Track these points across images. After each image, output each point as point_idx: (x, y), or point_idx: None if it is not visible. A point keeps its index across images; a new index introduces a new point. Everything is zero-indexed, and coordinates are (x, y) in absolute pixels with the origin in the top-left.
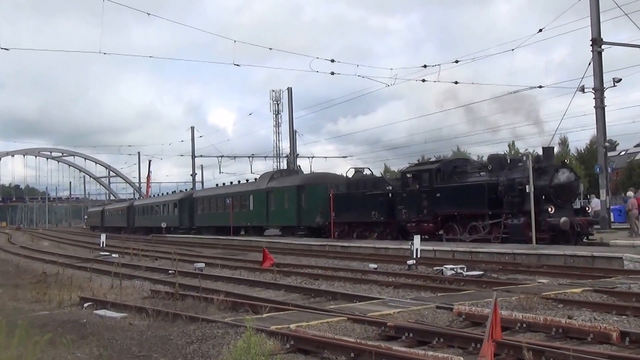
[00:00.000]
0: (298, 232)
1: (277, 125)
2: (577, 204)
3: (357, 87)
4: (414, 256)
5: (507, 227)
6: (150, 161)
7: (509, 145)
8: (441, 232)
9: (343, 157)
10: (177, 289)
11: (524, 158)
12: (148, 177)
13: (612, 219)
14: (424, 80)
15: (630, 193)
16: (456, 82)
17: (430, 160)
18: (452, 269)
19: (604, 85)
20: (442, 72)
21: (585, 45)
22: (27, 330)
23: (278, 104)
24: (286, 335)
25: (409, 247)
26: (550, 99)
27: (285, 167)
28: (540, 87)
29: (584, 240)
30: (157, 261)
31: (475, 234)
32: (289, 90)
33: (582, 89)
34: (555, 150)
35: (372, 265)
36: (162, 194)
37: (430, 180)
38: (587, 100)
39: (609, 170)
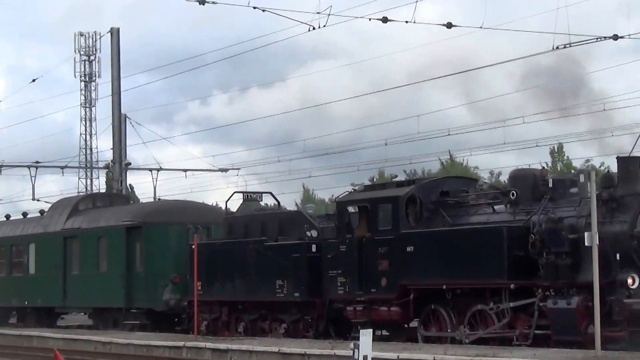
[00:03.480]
0: (127, 321)
1: (89, 104)
2: None
3: (250, 33)
4: None
5: (545, 315)
6: None
7: (551, 154)
8: (415, 322)
9: (221, 170)
10: None
11: (581, 179)
12: None
13: None
14: (385, 20)
15: None
16: (449, 25)
17: (396, 179)
18: None
19: None
20: (422, 5)
21: None
22: None
23: (91, 62)
24: None
25: (350, 353)
26: (631, 64)
27: (104, 190)
28: (616, 37)
29: None
30: None
31: (482, 329)
32: (114, 33)
33: None
34: None
35: None
36: None
37: (394, 220)
38: None
39: None
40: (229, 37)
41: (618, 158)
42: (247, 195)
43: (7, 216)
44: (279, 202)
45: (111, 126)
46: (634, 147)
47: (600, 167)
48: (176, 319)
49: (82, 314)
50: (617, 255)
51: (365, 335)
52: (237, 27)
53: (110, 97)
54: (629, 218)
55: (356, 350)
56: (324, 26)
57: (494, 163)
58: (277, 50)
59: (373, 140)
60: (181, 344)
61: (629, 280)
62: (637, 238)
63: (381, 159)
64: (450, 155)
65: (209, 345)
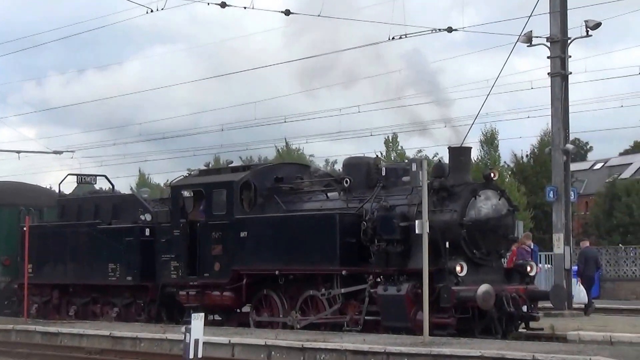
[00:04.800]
0: None
1: None
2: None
3: (87, 13)
4: (190, 355)
5: (376, 301)
6: None
7: (386, 144)
8: (248, 307)
9: (55, 152)
10: None
11: (413, 168)
12: None
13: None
14: (223, 5)
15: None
16: (287, 13)
17: (232, 165)
18: None
19: (569, 35)
20: None
21: None
22: None
23: None
24: None
25: (182, 337)
26: (464, 57)
27: None
28: (450, 30)
29: (522, 329)
30: None
31: (314, 314)
32: None
33: (528, 40)
34: (474, 154)
35: None
36: None
37: (229, 205)
38: (536, 62)
39: (573, 196)
40: (66, 17)
41: (449, 148)
42: (81, 178)
43: None
44: (113, 186)
45: None
46: (465, 138)
47: (433, 157)
48: (6, 302)
49: None
50: (447, 243)
51: (197, 319)
52: (75, 7)
53: None
54: (459, 207)
55: (188, 334)
56: (162, 9)
57: (330, 151)
58: (114, 33)
59: (210, 126)
60: (10, 327)
61: (458, 268)
62: (467, 227)
63: (217, 144)
64: (286, 143)
65: (39, 328)
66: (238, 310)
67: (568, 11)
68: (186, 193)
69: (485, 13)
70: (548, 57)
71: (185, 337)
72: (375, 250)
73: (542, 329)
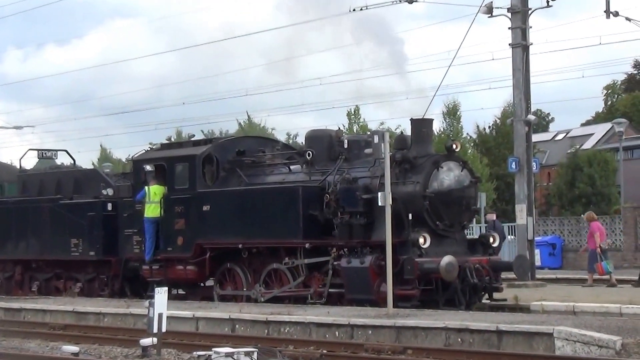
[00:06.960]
0: None
1: None
2: (474, 230)
3: None
4: (154, 330)
5: (339, 273)
6: None
7: (348, 116)
8: (211, 281)
9: (15, 127)
10: None
11: (375, 140)
12: None
13: (539, 262)
14: None
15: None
16: None
17: (194, 138)
18: (229, 355)
19: (529, 5)
20: None
21: None
22: None
23: None
24: None
25: (146, 311)
26: (426, 27)
27: None
28: (411, 1)
29: (485, 300)
30: None
31: (277, 287)
32: None
33: (489, 10)
34: (437, 126)
35: (70, 348)
36: None
37: (191, 179)
38: (498, 33)
39: (535, 167)
40: None
41: (412, 120)
42: (42, 153)
43: None
44: (74, 160)
45: None
46: (427, 110)
47: (395, 129)
48: None
49: None
50: (410, 215)
51: (160, 294)
52: None
53: None
54: (421, 179)
55: (151, 309)
56: None
57: (291, 124)
58: (73, 7)
59: (171, 100)
60: None
61: (421, 240)
62: (429, 198)
63: (179, 118)
64: (248, 116)
65: (2, 304)
66: (202, 284)
67: None
68: (148, 167)
69: None
70: (509, 28)
71: (149, 312)
72: (338, 223)
73: (505, 300)
